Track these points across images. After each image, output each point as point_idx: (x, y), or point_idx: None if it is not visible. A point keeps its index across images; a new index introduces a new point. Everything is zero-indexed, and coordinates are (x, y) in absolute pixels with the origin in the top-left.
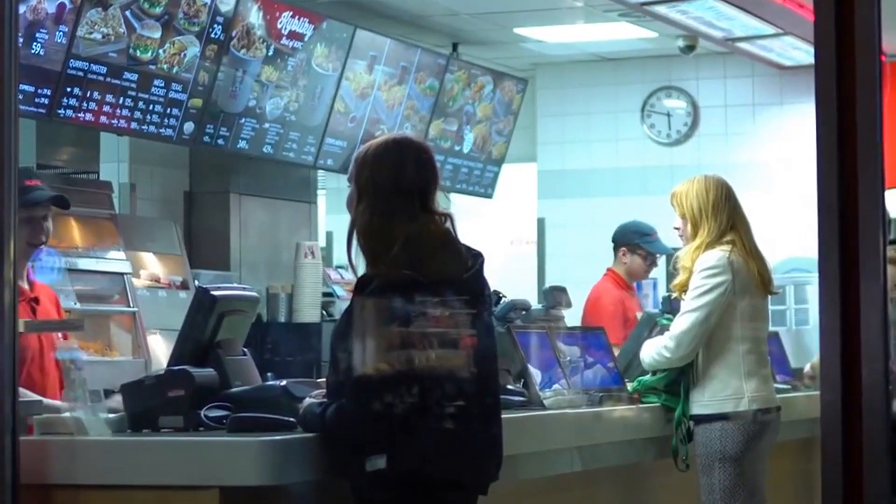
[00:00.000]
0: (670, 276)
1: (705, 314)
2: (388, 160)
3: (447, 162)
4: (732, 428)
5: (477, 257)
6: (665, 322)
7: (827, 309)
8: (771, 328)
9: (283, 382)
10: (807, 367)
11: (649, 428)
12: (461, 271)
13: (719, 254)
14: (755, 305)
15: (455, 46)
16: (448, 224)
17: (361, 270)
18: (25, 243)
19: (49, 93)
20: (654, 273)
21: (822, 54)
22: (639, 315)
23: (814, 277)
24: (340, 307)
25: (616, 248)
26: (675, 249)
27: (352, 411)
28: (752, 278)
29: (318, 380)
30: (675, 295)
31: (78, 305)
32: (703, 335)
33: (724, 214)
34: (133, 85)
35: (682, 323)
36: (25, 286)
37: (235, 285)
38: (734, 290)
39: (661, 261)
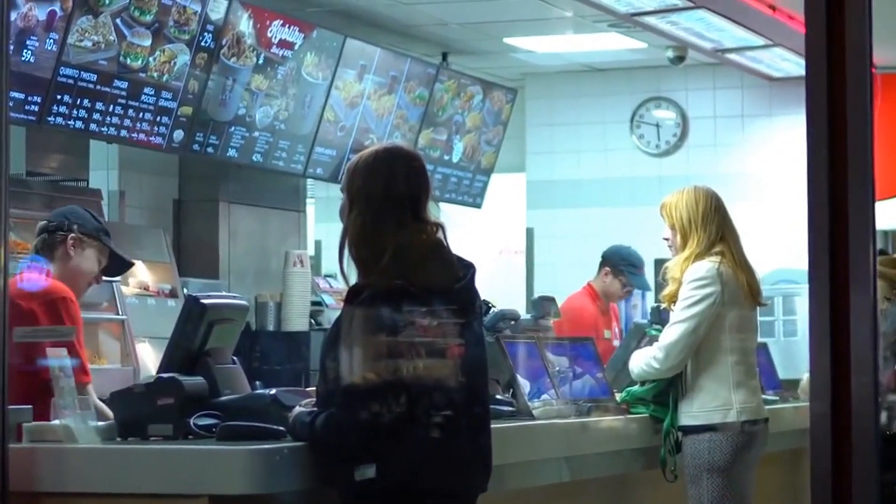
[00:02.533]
0: (659, 286)
1: (694, 325)
2: (379, 169)
3: (436, 171)
4: (721, 439)
5: (468, 268)
6: (654, 333)
7: (817, 321)
8: (759, 339)
9: (273, 391)
10: (804, 381)
11: (638, 438)
12: (452, 281)
13: (708, 265)
14: (744, 316)
15: (445, 56)
16: (440, 234)
17: (353, 280)
18: (86, 281)
19: (39, 100)
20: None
21: (813, 66)
22: (606, 334)
23: (802, 289)
24: (329, 316)
25: (601, 265)
26: (664, 261)
27: (341, 420)
28: (740, 289)
29: (308, 389)
30: (664, 305)
31: None
32: (692, 346)
33: (713, 225)
34: (123, 93)
35: (671, 334)
36: None
37: (225, 294)
38: (723, 302)
39: (651, 272)
